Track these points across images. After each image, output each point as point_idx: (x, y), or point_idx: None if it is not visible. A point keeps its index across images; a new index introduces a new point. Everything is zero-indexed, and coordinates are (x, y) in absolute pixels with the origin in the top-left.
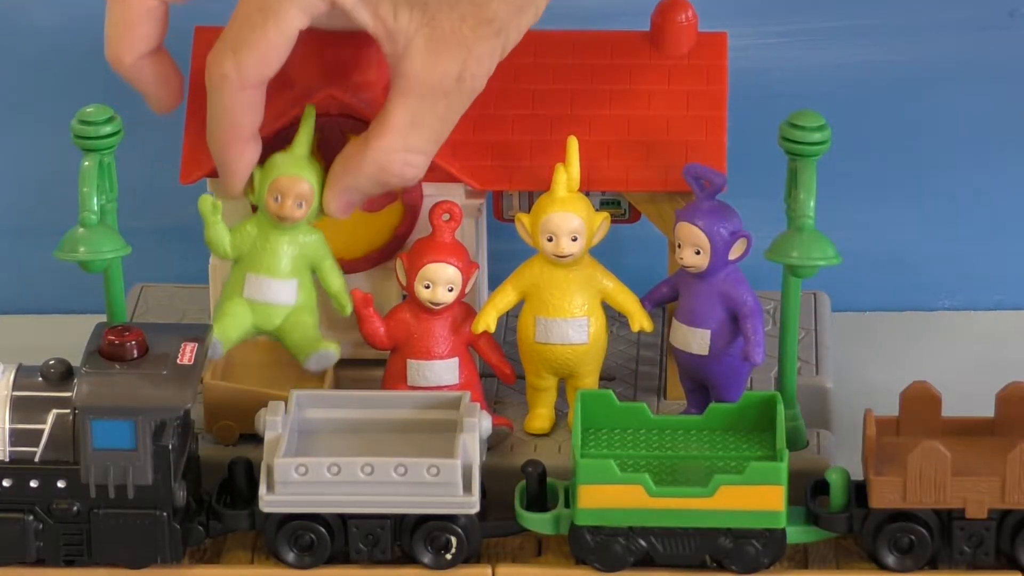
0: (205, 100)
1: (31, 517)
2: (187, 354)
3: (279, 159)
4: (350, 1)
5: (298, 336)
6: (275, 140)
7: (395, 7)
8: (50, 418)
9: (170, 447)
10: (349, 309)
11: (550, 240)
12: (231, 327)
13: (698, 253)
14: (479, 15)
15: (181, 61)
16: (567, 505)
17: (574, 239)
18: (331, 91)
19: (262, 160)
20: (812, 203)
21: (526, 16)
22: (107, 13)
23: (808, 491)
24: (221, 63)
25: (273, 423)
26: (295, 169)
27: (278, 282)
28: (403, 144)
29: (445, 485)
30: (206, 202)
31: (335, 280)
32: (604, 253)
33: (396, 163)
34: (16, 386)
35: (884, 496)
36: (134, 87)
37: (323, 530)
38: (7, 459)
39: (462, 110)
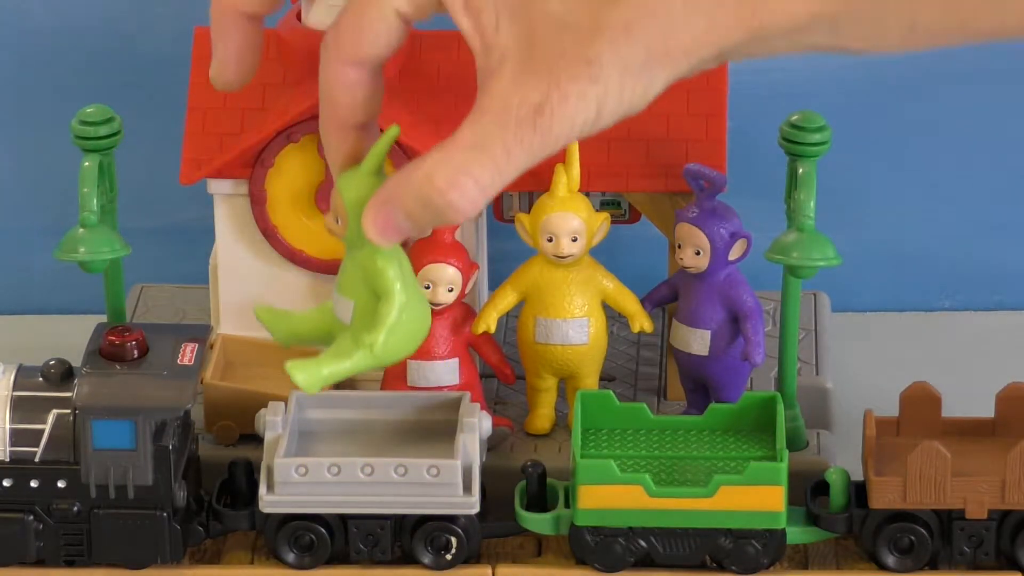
0: (207, 99)
1: (31, 517)
2: (187, 354)
3: (344, 176)
4: (455, 1)
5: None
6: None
7: (498, 18)
8: (50, 418)
9: (170, 447)
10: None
11: (550, 240)
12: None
13: (698, 254)
14: (579, 53)
15: (182, 64)
16: (567, 505)
17: (574, 239)
18: None
19: None
20: (812, 203)
21: (637, 82)
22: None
23: (808, 491)
24: (324, 37)
25: (273, 423)
26: (342, 183)
27: (344, 300)
28: (460, 163)
29: (445, 485)
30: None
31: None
32: (604, 253)
33: (444, 178)
34: (16, 386)
35: (884, 496)
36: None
37: (323, 530)
38: (7, 459)
39: (532, 152)
